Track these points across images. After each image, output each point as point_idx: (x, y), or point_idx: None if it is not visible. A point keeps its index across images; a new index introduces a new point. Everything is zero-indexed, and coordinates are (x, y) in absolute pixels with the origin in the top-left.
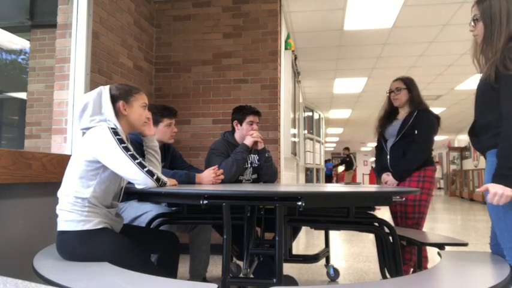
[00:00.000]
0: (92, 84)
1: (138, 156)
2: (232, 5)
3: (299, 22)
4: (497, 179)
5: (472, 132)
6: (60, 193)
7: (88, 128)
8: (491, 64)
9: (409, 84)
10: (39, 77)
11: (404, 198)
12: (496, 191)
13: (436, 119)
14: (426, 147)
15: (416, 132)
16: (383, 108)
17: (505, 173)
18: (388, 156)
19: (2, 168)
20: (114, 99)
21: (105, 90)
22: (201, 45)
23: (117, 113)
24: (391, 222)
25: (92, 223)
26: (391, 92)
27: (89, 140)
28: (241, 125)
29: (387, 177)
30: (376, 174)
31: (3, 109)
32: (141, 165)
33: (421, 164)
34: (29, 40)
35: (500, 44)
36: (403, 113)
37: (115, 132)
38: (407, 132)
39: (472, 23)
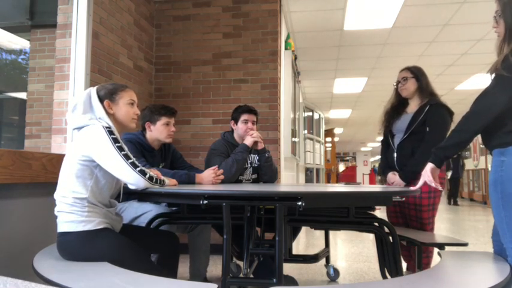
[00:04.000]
0: (92, 84)
1: (131, 156)
2: (232, 5)
3: (299, 22)
4: (432, 157)
5: (484, 129)
6: (57, 195)
7: (80, 127)
8: (495, 62)
9: (416, 72)
10: (39, 77)
11: (403, 199)
12: (426, 171)
13: (450, 113)
14: None
15: (427, 129)
16: (389, 102)
17: (438, 157)
18: (395, 154)
19: (2, 168)
20: (101, 99)
21: (93, 91)
22: (201, 45)
23: (106, 112)
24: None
25: (93, 223)
26: (398, 82)
27: (83, 139)
28: (236, 124)
29: (394, 176)
30: (375, 171)
31: (3, 109)
32: (134, 165)
33: None
34: (29, 40)
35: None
36: (413, 106)
37: (110, 131)
38: (417, 129)
39: (495, 20)
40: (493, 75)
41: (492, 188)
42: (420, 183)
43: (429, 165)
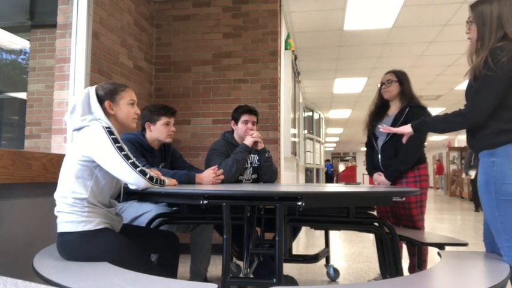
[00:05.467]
0: (92, 84)
1: (131, 156)
2: (232, 5)
3: (299, 22)
4: (416, 123)
5: (468, 129)
6: (57, 195)
7: (80, 128)
8: (473, 65)
9: (400, 77)
10: (39, 77)
11: (403, 198)
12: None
13: (429, 116)
14: (418, 147)
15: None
16: (373, 103)
17: (419, 126)
18: (380, 156)
19: (2, 168)
20: (100, 100)
21: (91, 91)
22: (201, 45)
23: (106, 113)
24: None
25: (93, 223)
26: (382, 84)
27: (83, 139)
28: (237, 124)
29: (379, 177)
30: (368, 173)
31: (3, 109)
32: (134, 165)
33: (413, 164)
34: (29, 40)
35: (489, 46)
36: (394, 108)
37: (110, 131)
38: None
39: (467, 26)
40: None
41: (484, 189)
42: (393, 129)
43: (408, 129)
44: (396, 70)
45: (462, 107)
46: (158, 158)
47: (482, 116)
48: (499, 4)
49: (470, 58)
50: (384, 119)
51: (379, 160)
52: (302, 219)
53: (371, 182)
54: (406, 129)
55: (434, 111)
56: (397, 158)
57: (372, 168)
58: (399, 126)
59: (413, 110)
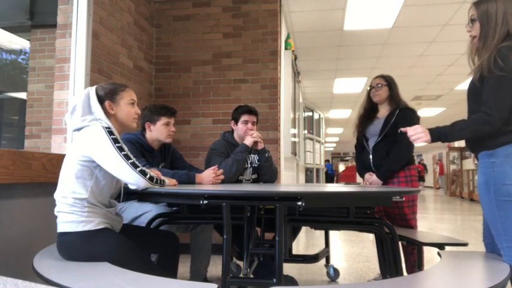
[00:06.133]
0: (92, 84)
1: (131, 156)
2: (232, 5)
3: (299, 22)
4: (433, 131)
5: None
6: (57, 195)
7: (80, 128)
8: (480, 64)
9: (389, 81)
10: (39, 77)
11: (403, 198)
12: (422, 136)
13: (417, 117)
14: (409, 147)
15: (399, 131)
16: (362, 106)
17: (438, 137)
18: (371, 156)
19: (2, 168)
20: (101, 100)
21: (92, 91)
22: (201, 45)
23: (106, 113)
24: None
25: (93, 223)
26: (371, 88)
27: (83, 139)
28: (237, 124)
29: (371, 177)
30: (360, 174)
31: (3, 109)
32: (134, 165)
33: (404, 164)
34: (29, 40)
35: (493, 44)
36: (383, 111)
37: (110, 131)
38: (389, 132)
39: (470, 24)
40: (485, 78)
41: (484, 190)
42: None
43: (427, 138)
44: (385, 75)
45: (483, 113)
46: (158, 158)
47: (504, 119)
48: (504, 2)
49: (471, 57)
50: (374, 121)
51: (371, 160)
52: (302, 219)
53: None
54: (426, 137)
55: (434, 111)
56: (389, 157)
57: (362, 170)
58: (389, 128)
59: (403, 112)
